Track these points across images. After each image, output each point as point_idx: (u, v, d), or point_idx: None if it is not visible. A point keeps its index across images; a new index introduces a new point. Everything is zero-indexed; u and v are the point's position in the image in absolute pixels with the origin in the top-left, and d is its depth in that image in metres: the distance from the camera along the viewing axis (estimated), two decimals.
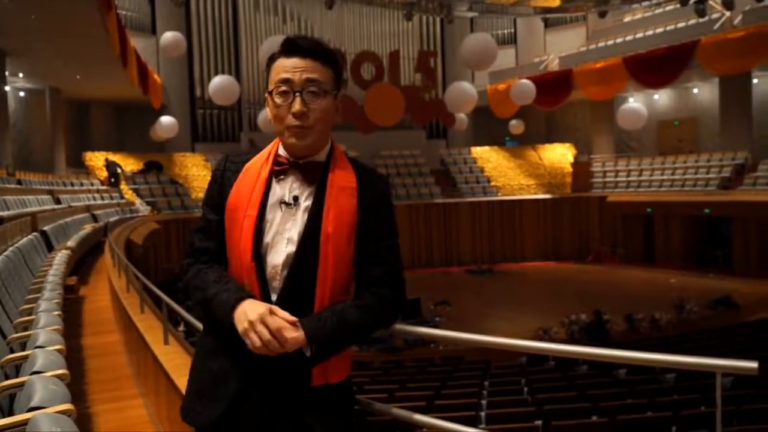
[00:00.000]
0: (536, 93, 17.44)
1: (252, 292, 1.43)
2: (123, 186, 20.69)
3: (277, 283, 1.43)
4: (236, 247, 1.45)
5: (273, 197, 1.47)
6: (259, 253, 1.43)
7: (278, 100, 1.43)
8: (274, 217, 1.45)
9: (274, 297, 1.43)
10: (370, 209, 1.48)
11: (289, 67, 1.43)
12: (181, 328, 8.95)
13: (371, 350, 12.26)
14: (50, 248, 8.11)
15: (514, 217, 24.31)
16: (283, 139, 1.47)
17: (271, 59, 1.48)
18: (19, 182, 12.97)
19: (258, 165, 1.50)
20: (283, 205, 1.46)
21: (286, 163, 1.48)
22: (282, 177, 1.48)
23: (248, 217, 1.44)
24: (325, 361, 1.42)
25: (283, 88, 1.42)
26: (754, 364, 1.23)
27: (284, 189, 1.47)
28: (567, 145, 27.54)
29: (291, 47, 1.45)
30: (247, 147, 20.29)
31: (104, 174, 20.58)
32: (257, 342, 1.32)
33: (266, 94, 1.48)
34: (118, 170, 20.70)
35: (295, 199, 1.46)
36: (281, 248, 1.44)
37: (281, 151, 1.50)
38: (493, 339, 1.61)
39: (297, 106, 1.41)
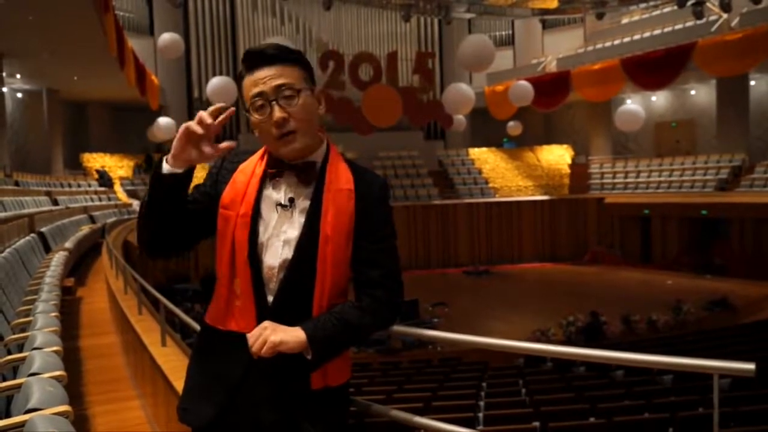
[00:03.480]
0: (534, 94, 17.43)
1: (242, 292, 1.43)
2: (117, 189, 20.73)
3: (273, 285, 1.43)
4: (228, 247, 1.44)
5: (268, 198, 1.46)
6: (254, 253, 1.43)
7: (257, 115, 1.41)
8: (270, 218, 1.45)
9: (270, 298, 1.43)
10: (367, 211, 1.46)
11: (257, 80, 1.41)
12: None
13: (369, 352, 12.25)
14: (48, 249, 8.10)
15: (511, 218, 24.30)
16: (274, 151, 1.45)
17: (240, 78, 1.46)
18: (16, 183, 12.96)
19: (251, 166, 1.50)
20: (278, 207, 1.45)
21: (281, 163, 1.46)
22: (277, 178, 1.47)
23: (242, 217, 1.44)
24: (325, 364, 1.42)
25: (259, 102, 1.40)
26: (751, 366, 1.23)
27: (279, 190, 1.46)
28: (565, 146, 27.59)
29: (252, 61, 1.42)
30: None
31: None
32: None
33: (245, 113, 1.46)
34: (110, 177, 20.89)
35: (291, 200, 1.45)
36: (277, 250, 1.43)
37: None
38: (490, 340, 1.61)
39: (277, 113, 1.39)
